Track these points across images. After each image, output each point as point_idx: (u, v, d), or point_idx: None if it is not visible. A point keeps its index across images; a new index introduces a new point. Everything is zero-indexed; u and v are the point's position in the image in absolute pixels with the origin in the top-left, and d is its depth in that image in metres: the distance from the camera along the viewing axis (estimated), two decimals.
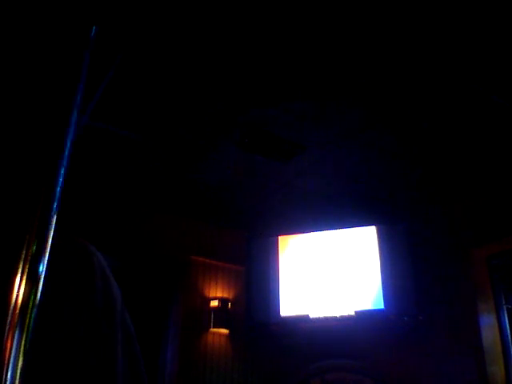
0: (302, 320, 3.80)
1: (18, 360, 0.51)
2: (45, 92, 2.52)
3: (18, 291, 0.54)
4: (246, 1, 2.01)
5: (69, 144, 0.68)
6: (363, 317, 3.68)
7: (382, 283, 3.71)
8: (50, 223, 0.59)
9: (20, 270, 0.55)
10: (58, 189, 0.62)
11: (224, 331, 3.92)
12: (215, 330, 3.88)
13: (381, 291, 3.70)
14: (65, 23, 2.11)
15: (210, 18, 2.10)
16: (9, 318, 0.53)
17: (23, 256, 0.56)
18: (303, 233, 4.06)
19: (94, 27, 0.76)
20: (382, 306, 3.66)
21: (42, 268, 0.57)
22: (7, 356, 0.51)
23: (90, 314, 0.70)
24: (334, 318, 3.72)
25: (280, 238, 4.11)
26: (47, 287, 0.66)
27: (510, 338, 3.33)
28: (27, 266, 0.55)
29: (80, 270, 0.73)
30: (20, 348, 0.52)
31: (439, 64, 2.35)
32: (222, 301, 3.94)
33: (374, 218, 3.89)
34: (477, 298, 3.43)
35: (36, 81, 2.48)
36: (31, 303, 0.54)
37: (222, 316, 3.90)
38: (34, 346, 0.65)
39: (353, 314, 3.69)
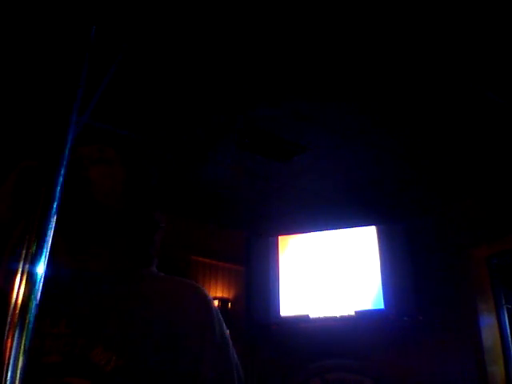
0: (302, 320, 3.80)
1: (18, 360, 0.51)
2: (45, 92, 2.53)
3: (18, 291, 0.54)
4: (246, 1, 2.01)
5: (69, 144, 0.68)
6: (363, 317, 3.68)
7: (382, 283, 3.71)
8: (49, 223, 0.59)
9: (20, 270, 0.55)
10: (58, 189, 0.62)
11: None
12: None
13: (381, 291, 3.70)
14: (65, 23, 2.11)
15: (211, 18, 2.10)
16: (9, 318, 0.53)
17: (23, 256, 0.56)
18: (303, 233, 4.06)
19: (93, 27, 0.76)
20: (382, 305, 3.67)
21: (42, 268, 0.57)
22: (7, 356, 0.51)
23: (211, 351, 0.83)
24: (334, 318, 3.72)
25: (280, 238, 4.11)
26: (173, 327, 0.80)
27: (510, 338, 3.33)
28: (27, 266, 0.55)
29: (203, 315, 0.86)
30: (20, 348, 0.52)
31: (438, 64, 2.35)
32: (222, 301, 3.94)
33: (374, 218, 3.89)
34: (477, 298, 3.43)
35: (36, 81, 2.48)
36: (31, 303, 0.54)
37: (222, 316, 3.89)
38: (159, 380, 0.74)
39: (353, 313, 3.69)
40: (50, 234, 0.59)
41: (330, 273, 3.86)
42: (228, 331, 0.91)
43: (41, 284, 0.56)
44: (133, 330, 0.80)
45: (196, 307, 0.87)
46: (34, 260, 0.56)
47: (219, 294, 4.02)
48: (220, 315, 0.91)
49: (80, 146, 0.94)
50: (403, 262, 3.74)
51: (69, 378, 0.73)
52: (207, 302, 0.90)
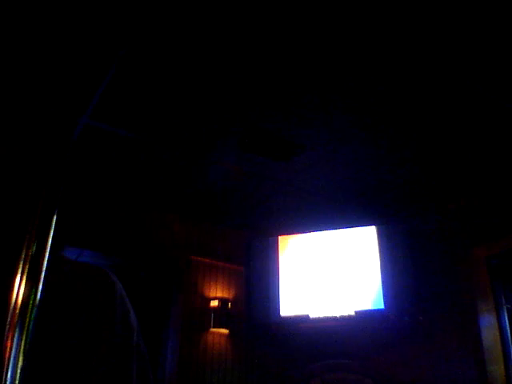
0: (302, 320, 3.80)
1: (18, 360, 0.51)
2: (47, 95, 2.53)
3: (18, 291, 0.54)
4: (245, 3, 2.01)
5: (69, 144, 0.68)
6: (363, 317, 3.68)
7: (382, 283, 3.71)
8: (50, 223, 0.59)
9: (20, 270, 0.55)
10: (58, 189, 0.62)
11: (224, 331, 3.92)
12: (215, 330, 3.87)
13: (381, 291, 3.70)
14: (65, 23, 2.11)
15: (212, 18, 2.10)
16: (9, 318, 0.53)
17: (23, 256, 0.56)
18: (303, 233, 4.06)
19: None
20: (382, 305, 3.66)
21: (42, 268, 0.57)
22: (7, 356, 0.51)
23: (108, 342, 0.76)
24: (334, 318, 3.72)
25: (280, 238, 4.11)
26: (67, 311, 0.72)
27: (510, 337, 3.32)
28: (27, 266, 0.55)
29: (102, 299, 0.80)
30: (20, 348, 0.52)
31: (438, 65, 2.35)
32: (222, 301, 3.94)
33: (374, 218, 3.89)
34: (477, 298, 3.43)
35: (39, 84, 2.49)
36: (31, 303, 0.54)
37: (222, 316, 3.90)
38: (48, 368, 0.69)
39: (353, 314, 3.69)
40: (50, 234, 0.59)
41: (329, 273, 3.86)
42: (134, 318, 0.85)
43: (41, 284, 0.56)
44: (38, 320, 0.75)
45: (95, 290, 0.82)
46: (34, 260, 0.56)
47: (219, 294, 4.02)
48: (125, 301, 0.85)
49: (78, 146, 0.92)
50: (403, 262, 3.74)
51: None
52: (110, 285, 0.85)
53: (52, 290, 0.77)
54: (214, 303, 3.91)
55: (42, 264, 0.57)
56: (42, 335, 0.70)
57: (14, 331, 0.52)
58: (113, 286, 0.84)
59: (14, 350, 0.51)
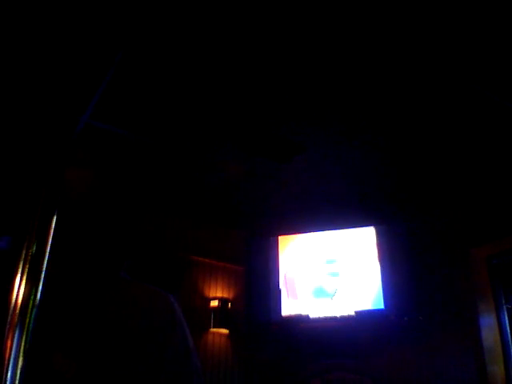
0: (302, 320, 3.80)
1: (18, 360, 0.51)
2: (48, 95, 2.52)
3: (18, 291, 0.54)
4: (244, 2, 2.01)
5: (69, 144, 0.68)
6: (363, 317, 3.68)
7: (382, 283, 3.71)
8: (49, 223, 0.59)
9: (20, 270, 0.55)
10: (58, 189, 0.62)
11: (224, 331, 3.92)
12: (215, 330, 3.87)
13: (381, 291, 3.70)
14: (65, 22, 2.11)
15: (212, 19, 2.11)
16: (9, 318, 0.53)
17: (23, 256, 0.56)
18: (303, 233, 4.06)
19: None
20: (381, 306, 3.67)
21: (42, 268, 0.57)
22: (7, 356, 0.51)
23: (172, 363, 0.84)
24: (334, 318, 3.72)
25: (280, 238, 4.11)
26: (131, 333, 0.80)
27: (510, 337, 3.33)
28: (27, 266, 0.55)
29: (165, 323, 0.89)
30: (20, 348, 0.52)
31: (437, 67, 2.35)
32: (222, 301, 3.94)
33: (374, 218, 3.89)
34: (477, 298, 3.43)
35: (40, 84, 2.48)
36: (31, 303, 0.54)
37: (222, 316, 3.90)
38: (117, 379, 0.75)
39: (353, 314, 3.69)
40: (50, 234, 0.59)
41: (329, 273, 3.86)
42: (192, 340, 0.93)
43: (41, 284, 0.56)
44: (95, 337, 0.80)
45: (160, 315, 0.90)
46: (34, 260, 0.56)
47: (219, 294, 4.02)
48: (185, 324, 0.94)
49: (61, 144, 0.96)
50: (403, 262, 3.75)
51: None
52: (172, 310, 0.93)
53: (115, 312, 0.81)
54: (214, 303, 3.91)
55: (42, 264, 0.57)
56: (108, 355, 0.75)
57: (14, 331, 0.52)
58: (174, 310, 0.94)
59: (14, 350, 0.51)
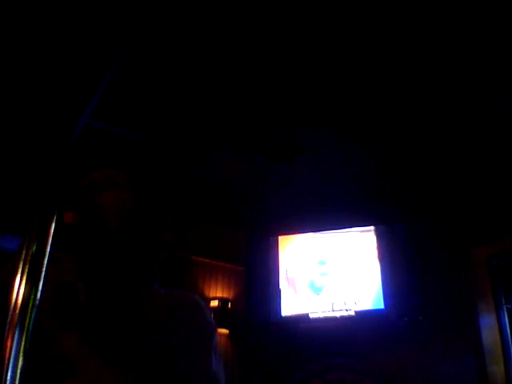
0: (302, 320, 3.80)
1: (18, 360, 0.51)
2: (47, 95, 2.52)
3: (18, 291, 0.54)
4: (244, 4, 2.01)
5: (69, 144, 0.68)
6: (363, 317, 3.68)
7: (382, 283, 3.71)
8: (50, 223, 0.59)
9: (20, 270, 0.55)
10: (58, 189, 0.62)
11: (224, 331, 3.92)
12: None
13: (381, 291, 3.69)
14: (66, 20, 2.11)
15: (213, 20, 2.10)
16: (9, 318, 0.53)
17: (23, 256, 0.56)
18: (303, 233, 4.06)
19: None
20: (382, 306, 3.66)
21: (42, 268, 0.57)
22: (7, 356, 0.51)
23: (208, 374, 0.88)
24: (334, 318, 3.72)
25: (280, 238, 4.10)
26: (169, 342, 0.84)
27: (510, 337, 3.32)
28: (27, 266, 0.55)
29: (199, 333, 0.91)
30: (20, 348, 0.52)
31: (436, 70, 2.35)
32: (222, 301, 3.94)
33: (374, 218, 3.89)
34: (477, 297, 3.43)
35: (40, 84, 2.48)
36: (31, 303, 0.54)
37: (222, 316, 3.90)
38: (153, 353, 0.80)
39: (353, 314, 3.69)
40: (50, 234, 0.59)
41: (329, 273, 3.86)
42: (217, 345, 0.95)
43: (41, 284, 0.56)
44: (133, 349, 0.81)
45: (194, 325, 0.91)
46: (34, 260, 0.56)
47: (219, 294, 4.02)
48: (214, 328, 0.97)
49: (92, 172, 1.00)
50: (403, 262, 3.74)
51: None
52: (205, 319, 0.94)
53: (152, 322, 0.83)
54: (214, 303, 3.91)
55: (42, 264, 0.57)
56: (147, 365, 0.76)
57: (14, 331, 0.52)
58: (208, 317, 0.95)
59: (14, 350, 0.51)
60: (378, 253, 3.81)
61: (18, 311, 0.53)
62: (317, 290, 3.86)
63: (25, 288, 0.54)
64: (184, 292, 1.00)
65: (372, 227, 3.90)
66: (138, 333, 0.83)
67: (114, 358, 0.77)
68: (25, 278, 0.55)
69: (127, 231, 0.96)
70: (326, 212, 3.91)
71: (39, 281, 0.56)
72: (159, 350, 0.82)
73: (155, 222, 1.05)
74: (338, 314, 3.72)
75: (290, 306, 3.87)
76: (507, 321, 3.37)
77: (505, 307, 3.41)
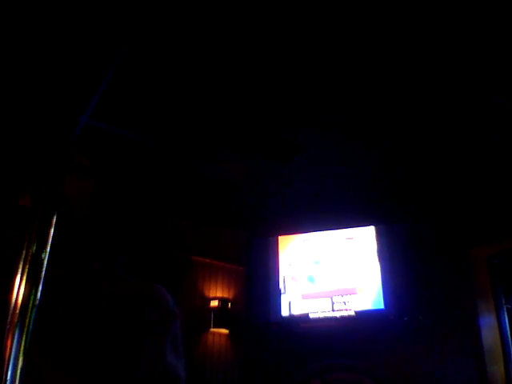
0: (302, 320, 3.80)
1: (18, 360, 0.51)
2: (48, 95, 2.52)
3: (18, 291, 0.54)
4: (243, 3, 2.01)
5: (69, 144, 0.68)
6: (363, 317, 3.68)
7: (382, 283, 3.71)
8: (49, 223, 0.59)
9: (20, 270, 0.55)
10: (58, 189, 0.62)
11: (224, 331, 3.92)
12: (215, 329, 3.87)
13: (381, 291, 3.69)
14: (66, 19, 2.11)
15: (214, 20, 2.10)
16: (9, 318, 0.53)
17: (23, 256, 0.56)
18: (303, 233, 4.06)
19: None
20: (382, 306, 3.66)
21: (42, 268, 0.57)
22: (7, 356, 0.51)
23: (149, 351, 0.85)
24: (334, 318, 3.72)
25: (280, 238, 4.10)
26: (122, 326, 0.82)
27: (510, 337, 3.33)
28: (27, 266, 0.55)
29: (156, 319, 0.89)
30: (20, 348, 0.52)
31: (436, 70, 2.35)
32: (222, 301, 3.94)
33: (374, 218, 3.89)
34: (477, 297, 3.43)
35: (40, 84, 2.48)
36: (31, 303, 0.54)
37: (222, 316, 3.90)
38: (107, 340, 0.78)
39: (353, 314, 3.69)
40: (50, 234, 0.59)
41: (329, 273, 3.86)
42: (181, 343, 0.94)
43: (41, 284, 0.56)
44: (93, 345, 0.81)
45: (149, 314, 0.89)
46: (34, 260, 0.56)
47: (219, 294, 4.02)
48: (172, 316, 0.93)
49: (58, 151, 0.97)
50: (403, 262, 3.74)
51: None
52: (161, 307, 0.91)
53: (107, 307, 0.82)
54: (214, 303, 3.91)
55: (42, 264, 0.57)
56: (95, 346, 0.75)
57: (14, 331, 0.52)
58: (167, 306, 0.92)
59: (14, 350, 0.51)
60: (378, 253, 3.81)
61: (17, 311, 0.53)
62: (317, 289, 3.86)
63: (25, 288, 0.54)
64: (147, 282, 0.96)
65: (372, 227, 3.90)
66: (90, 321, 0.83)
67: (64, 354, 0.77)
68: (25, 278, 0.55)
69: (86, 217, 0.96)
70: (326, 212, 3.91)
71: (39, 281, 0.56)
72: (110, 339, 0.81)
73: (117, 209, 1.03)
74: (337, 314, 3.72)
75: (290, 306, 3.87)
76: (507, 321, 3.37)
77: (505, 307, 3.41)
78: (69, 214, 0.92)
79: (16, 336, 0.52)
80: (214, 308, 3.90)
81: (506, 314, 3.40)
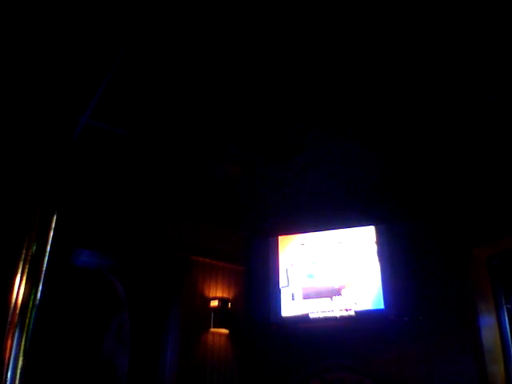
0: (302, 320, 3.80)
1: (18, 360, 0.51)
2: (48, 95, 2.52)
3: (18, 291, 0.54)
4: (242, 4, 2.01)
5: (69, 144, 0.68)
6: (363, 317, 3.68)
7: (382, 283, 3.71)
8: (50, 223, 0.59)
9: (20, 270, 0.55)
10: (58, 189, 0.62)
11: (224, 331, 3.92)
12: (215, 329, 3.87)
13: (381, 291, 3.69)
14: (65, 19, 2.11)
15: (214, 20, 2.10)
16: (9, 318, 0.53)
17: (23, 256, 0.56)
18: (303, 233, 4.06)
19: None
20: (382, 306, 3.66)
21: (42, 268, 0.57)
22: (7, 356, 0.51)
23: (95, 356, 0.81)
24: (334, 318, 3.72)
25: (280, 238, 4.11)
26: (65, 317, 0.78)
27: (510, 337, 3.33)
28: (27, 266, 0.55)
29: (98, 305, 0.85)
30: (20, 348, 0.52)
31: (437, 70, 2.35)
32: (222, 301, 3.94)
33: (374, 218, 3.89)
34: (477, 297, 3.43)
35: (40, 84, 2.48)
36: (31, 303, 0.54)
37: (222, 316, 3.90)
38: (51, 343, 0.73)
39: (353, 314, 3.69)
40: (50, 234, 0.59)
41: (329, 273, 3.86)
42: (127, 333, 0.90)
43: (41, 284, 0.56)
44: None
45: (88, 302, 0.85)
46: (34, 260, 0.56)
47: (219, 294, 4.02)
48: (117, 306, 0.90)
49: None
50: (403, 262, 3.74)
51: None
52: (103, 296, 0.88)
53: (55, 296, 0.80)
54: (214, 303, 3.91)
55: (42, 264, 0.57)
56: (43, 340, 0.73)
57: (14, 331, 0.52)
58: (112, 294, 0.88)
59: (13, 350, 0.51)
60: (378, 253, 3.81)
61: (18, 311, 0.53)
62: (317, 289, 3.86)
63: (25, 288, 0.54)
64: (94, 269, 0.93)
65: (372, 227, 3.90)
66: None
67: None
68: (25, 278, 0.55)
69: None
70: (326, 212, 3.91)
71: (39, 281, 0.56)
72: (46, 329, 0.80)
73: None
74: (337, 314, 3.72)
75: (290, 306, 3.88)
76: (507, 321, 3.37)
77: (505, 307, 3.41)
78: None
79: (16, 336, 0.52)
80: (214, 308, 3.90)
81: (506, 313, 3.40)
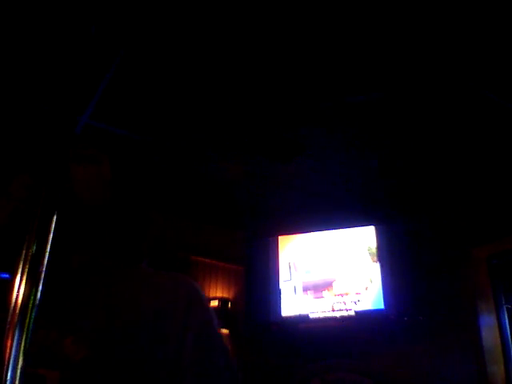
0: (302, 320, 3.80)
1: (18, 360, 0.51)
2: (47, 95, 2.52)
3: (18, 291, 0.54)
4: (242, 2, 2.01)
5: (69, 144, 0.68)
6: (363, 317, 3.68)
7: (382, 283, 3.71)
8: (50, 223, 0.59)
9: (20, 270, 0.55)
10: (58, 189, 0.62)
11: (224, 331, 3.92)
12: None
13: (381, 291, 3.69)
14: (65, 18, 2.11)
15: (214, 19, 2.10)
16: (9, 318, 0.53)
17: (23, 256, 0.56)
18: (303, 233, 4.06)
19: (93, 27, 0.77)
20: (381, 306, 3.66)
21: (42, 268, 0.57)
22: (7, 356, 0.51)
23: (194, 340, 0.89)
24: (334, 318, 3.72)
25: (280, 238, 4.10)
26: (153, 320, 0.85)
27: (510, 337, 3.32)
28: (27, 266, 0.55)
29: (186, 305, 0.92)
30: (20, 348, 0.52)
31: (436, 70, 2.35)
32: (222, 301, 3.94)
33: (374, 218, 3.89)
34: (477, 297, 3.43)
35: (39, 83, 2.48)
36: (31, 303, 0.54)
37: (222, 316, 3.89)
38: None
39: (353, 314, 3.69)
40: (50, 234, 0.59)
41: (329, 273, 3.86)
42: (216, 323, 0.97)
43: (41, 284, 0.56)
44: (108, 322, 0.81)
45: (179, 297, 0.91)
46: (34, 260, 0.56)
47: (219, 294, 4.01)
48: (207, 307, 0.97)
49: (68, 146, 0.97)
50: (403, 262, 3.74)
51: (40, 369, 0.76)
52: (192, 292, 0.95)
53: (141, 301, 0.83)
54: (214, 303, 3.91)
55: (42, 264, 0.57)
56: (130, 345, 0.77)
57: (14, 331, 0.52)
58: (196, 294, 0.96)
59: (14, 350, 0.51)
60: (378, 252, 3.81)
61: (17, 311, 0.53)
62: (317, 289, 3.86)
63: (25, 288, 0.54)
64: (178, 273, 1.00)
65: (372, 227, 3.90)
66: (114, 316, 0.84)
67: (75, 335, 0.78)
68: (25, 278, 0.55)
69: (105, 206, 0.94)
70: (326, 212, 3.91)
71: (39, 281, 0.56)
72: (134, 333, 0.82)
73: (135, 199, 1.04)
74: (337, 314, 3.72)
75: (289, 306, 3.87)
76: (507, 321, 3.37)
77: (505, 307, 3.41)
78: (78, 202, 0.91)
79: (16, 336, 0.52)
80: (214, 308, 3.90)
81: (506, 314, 3.39)
